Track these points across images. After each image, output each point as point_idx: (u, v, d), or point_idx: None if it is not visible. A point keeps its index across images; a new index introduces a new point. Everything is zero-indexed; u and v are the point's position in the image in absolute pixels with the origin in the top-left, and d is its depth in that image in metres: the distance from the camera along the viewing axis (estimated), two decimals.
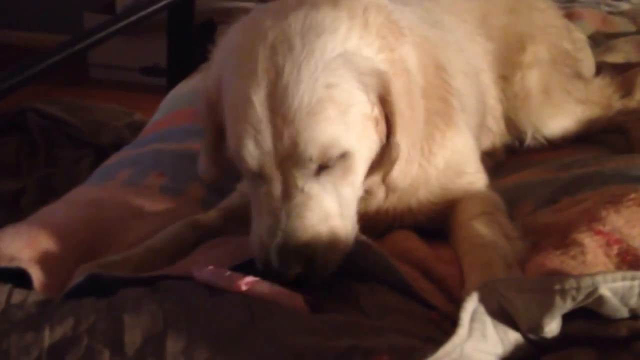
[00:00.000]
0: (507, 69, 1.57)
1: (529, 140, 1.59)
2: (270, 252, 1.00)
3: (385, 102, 1.05)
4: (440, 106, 1.20)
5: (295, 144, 0.99)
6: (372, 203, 1.19)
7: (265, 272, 1.02)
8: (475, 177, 1.26)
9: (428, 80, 1.18)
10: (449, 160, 1.22)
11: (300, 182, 1.01)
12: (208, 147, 1.16)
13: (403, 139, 1.07)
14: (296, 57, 1.00)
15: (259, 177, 1.03)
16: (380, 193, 1.19)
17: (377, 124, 1.06)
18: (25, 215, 1.27)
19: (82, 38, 2.07)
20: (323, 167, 1.02)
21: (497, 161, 1.53)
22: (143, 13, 2.30)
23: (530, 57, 1.58)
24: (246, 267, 1.05)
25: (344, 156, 1.03)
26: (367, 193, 1.17)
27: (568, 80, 1.62)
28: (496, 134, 1.55)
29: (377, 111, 1.05)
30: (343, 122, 1.01)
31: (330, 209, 1.03)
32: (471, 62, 1.46)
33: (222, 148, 1.11)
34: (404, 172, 1.10)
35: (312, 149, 0.99)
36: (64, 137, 2.62)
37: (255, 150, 1.01)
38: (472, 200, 1.21)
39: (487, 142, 1.52)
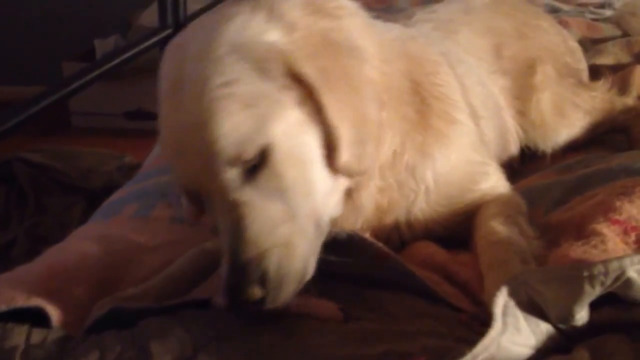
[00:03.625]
0: (522, 101, 1.59)
1: (548, 157, 1.61)
2: (223, 277, 0.94)
3: (302, 83, 0.98)
4: (418, 123, 1.16)
5: (206, 151, 0.93)
6: (362, 212, 1.14)
7: (226, 305, 0.95)
8: (491, 190, 1.24)
9: (407, 88, 1.16)
10: (447, 176, 1.19)
11: (232, 193, 0.95)
12: (175, 185, 1.13)
13: (340, 120, 0.99)
14: (191, 63, 0.96)
15: (205, 198, 1.00)
16: (364, 197, 1.14)
17: (301, 106, 0.99)
18: (16, 266, 1.24)
19: (62, 87, 2.07)
20: (252, 170, 0.96)
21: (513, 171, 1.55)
22: (122, 58, 2.31)
23: (541, 77, 1.61)
24: None
25: (267, 151, 0.96)
26: (376, 211, 1.15)
27: (574, 92, 1.65)
28: (513, 158, 1.58)
29: (295, 94, 0.98)
30: (251, 115, 0.94)
31: (276, 215, 0.95)
32: (493, 98, 1.49)
33: None
34: (355, 154, 1.01)
35: (223, 150, 0.93)
36: (53, 184, 2.61)
37: (182, 170, 0.98)
38: (493, 202, 1.21)
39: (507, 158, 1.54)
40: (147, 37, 2.47)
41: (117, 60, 2.30)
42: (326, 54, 1.01)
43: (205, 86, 0.94)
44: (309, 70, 0.98)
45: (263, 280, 0.92)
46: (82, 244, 1.27)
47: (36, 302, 1.05)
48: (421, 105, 1.17)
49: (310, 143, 1.00)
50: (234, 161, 0.94)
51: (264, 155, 0.96)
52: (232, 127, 0.94)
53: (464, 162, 1.22)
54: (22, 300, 1.05)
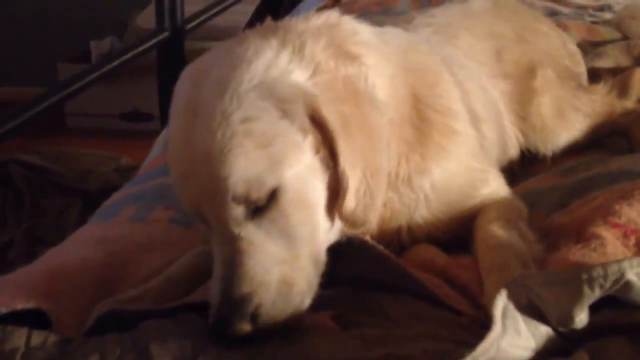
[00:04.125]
0: (522, 105, 1.59)
1: (549, 161, 1.62)
2: (212, 308, 0.94)
3: (321, 127, 0.98)
4: (416, 142, 1.17)
5: (215, 184, 0.93)
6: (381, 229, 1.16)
7: (211, 334, 0.94)
8: (490, 195, 1.24)
9: (407, 110, 1.16)
10: (446, 184, 1.19)
11: (234, 228, 0.95)
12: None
13: (352, 168, 0.99)
14: (211, 92, 0.96)
15: (204, 224, 0.99)
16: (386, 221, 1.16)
17: (316, 151, 0.99)
18: (14, 268, 1.24)
19: (59, 89, 2.06)
20: (258, 208, 0.95)
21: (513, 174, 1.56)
22: (119, 61, 2.31)
23: (541, 81, 1.61)
24: None
25: (277, 193, 0.96)
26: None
27: (574, 95, 1.66)
28: (514, 160, 1.58)
29: (312, 138, 0.98)
30: (266, 155, 0.94)
31: (277, 254, 0.95)
32: (493, 103, 1.50)
33: None
34: (362, 204, 1.01)
35: (233, 187, 0.93)
36: (49, 186, 2.60)
37: (185, 194, 0.98)
38: (494, 206, 1.21)
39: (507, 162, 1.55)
40: (144, 39, 2.47)
41: (114, 63, 2.30)
42: (347, 101, 1.01)
43: (224, 120, 0.94)
44: (330, 115, 0.98)
45: (255, 316, 0.93)
46: (81, 246, 1.28)
47: (36, 304, 1.05)
48: (421, 123, 1.17)
49: (319, 187, 1.00)
50: (242, 199, 0.94)
51: (272, 196, 0.96)
52: (245, 166, 0.93)
53: (463, 170, 1.22)
54: (22, 303, 1.05)
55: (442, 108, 1.20)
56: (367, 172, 1.01)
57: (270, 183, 0.95)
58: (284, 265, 0.96)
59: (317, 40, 1.04)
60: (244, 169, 0.93)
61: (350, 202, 1.00)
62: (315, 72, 1.01)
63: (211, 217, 0.97)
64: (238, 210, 0.94)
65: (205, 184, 0.94)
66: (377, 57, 1.13)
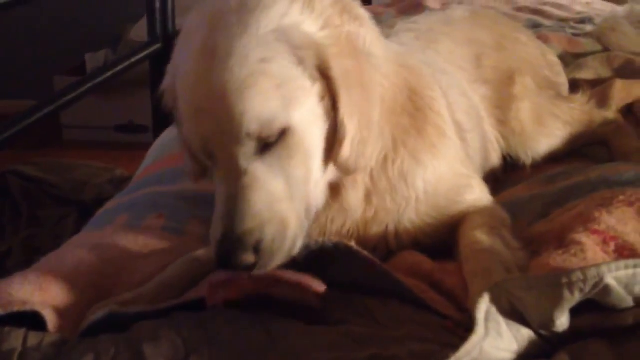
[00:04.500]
0: (502, 110, 1.63)
1: (528, 167, 1.65)
2: (218, 240, 0.99)
3: (327, 78, 1.04)
4: (412, 128, 1.21)
5: (231, 120, 0.98)
6: (350, 215, 1.19)
7: (216, 264, 1.01)
8: (475, 203, 1.27)
9: (402, 99, 1.20)
10: (436, 187, 1.23)
11: (243, 163, 1.00)
12: (180, 142, 1.16)
13: (350, 118, 1.06)
14: (230, 33, 1.00)
15: (210, 161, 1.04)
16: (353, 199, 1.19)
17: (321, 99, 1.05)
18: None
19: (53, 101, 2.08)
20: (266, 146, 1.01)
21: (497, 182, 1.58)
22: (112, 72, 2.33)
23: (520, 88, 1.65)
24: None
25: (286, 133, 1.01)
26: (362, 222, 1.18)
27: (553, 103, 1.69)
28: (495, 167, 1.61)
29: (319, 86, 1.04)
30: (280, 95, 1.00)
31: (278, 192, 1.01)
32: (475, 108, 1.53)
33: None
34: (355, 152, 1.07)
35: (248, 123, 0.98)
36: (46, 196, 2.62)
37: (197, 131, 1.01)
38: (478, 213, 1.24)
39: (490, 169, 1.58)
40: (137, 51, 2.50)
41: (107, 75, 2.33)
42: (350, 56, 1.07)
43: (243, 58, 0.99)
44: (336, 68, 1.04)
45: (257, 249, 0.98)
46: (76, 251, 1.29)
47: (33, 306, 1.07)
48: (416, 112, 1.22)
49: (319, 134, 1.06)
50: (254, 136, 0.99)
51: (280, 135, 1.01)
52: (261, 104, 0.99)
53: (452, 174, 1.25)
54: (19, 305, 1.07)
55: (435, 109, 1.25)
56: (362, 123, 1.08)
57: (281, 122, 1.00)
58: (282, 204, 1.01)
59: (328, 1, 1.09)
60: (260, 106, 0.98)
61: (346, 149, 1.06)
62: (324, 25, 1.06)
63: (220, 153, 1.01)
64: (249, 146, 1.00)
65: (221, 119, 0.99)
66: (376, 32, 1.19)
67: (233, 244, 0.97)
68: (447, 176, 1.24)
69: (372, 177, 1.19)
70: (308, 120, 1.04)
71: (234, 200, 0.99)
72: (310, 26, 1.05)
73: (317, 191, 1.10)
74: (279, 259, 1.02)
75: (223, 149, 1.01)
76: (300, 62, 1.02)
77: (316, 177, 1.08)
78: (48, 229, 2.50)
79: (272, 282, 1.02)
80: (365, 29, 1.14)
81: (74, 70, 4.09)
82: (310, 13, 1.06)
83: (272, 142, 1.01)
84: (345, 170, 1.11)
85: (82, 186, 2.65)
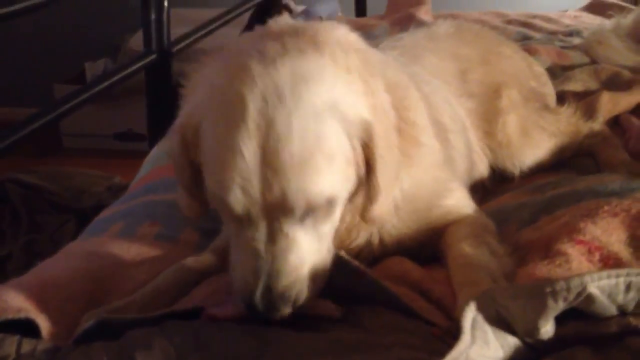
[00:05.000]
0: (489, 122, 1.65)
1: (516, 179, 1.67)
2: (256, 294, 1.01)
3: (367, 148, 1.08)
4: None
5: (284, 195, 1.00)
6: (351, 239, 1.23)
7: (250, 314, 1.04)
8: (455, 207, 1.30)
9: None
10: (414, 192, 1.25)
11: (285, 229, 1.03)
12: (185, 184, 1.15)
13: (383, 179, 1.10)
14: (287, 108, 1.00)
15: (244, 220, 1.04)
16: (355, 231, 1.23)
17: (357, 166, 1.08)
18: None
19: (51, 110, 2.09)
20: (308, 212, 1.03)
21: (485, 190, 1.61)
22: (112, 80, 2.35)
23: (506, 101, 1.66)
24: None
25: (328, 202, 1.04)
26: (346, 230, 1.21)
27: (540, 115, 1.70)
28: (484, 176, 1.63)
29: (358, 156, 1.08)
30: (330, 170, 1.02)
31: (310, 249, 1.05)
32: (459, 118, 1.55)
33: (199, 184, 1.11)
34: (382, 207, 1.13)
35: (302, 201, 1.00)
36: (45, 204, 2.64)
37: (242, 198, 1.00)
38: (461, 223, 1.26)
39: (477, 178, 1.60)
40: (133, 61, 2.52)
41: (103, 85, 2.34)
42: (386, 129, 1.12)
43: (302, 135, 1.00)
44: (379, 143, 1.08)
45: (295, 301, 1.04)
46: (70, 259, 1.31)
47: (26, 314, 1.09)
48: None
49: (348, 194, 1.10)
50: (305, 209, 1.02)
51: (323, 204, 1.04)
52: (316, 182, 1.01)
53: (429, 179, 1.28)
54: (13, 312, 1.09)
55: (409, 121, 1.25)
56: (387, 182, 1.12)
57: (327, 195, 1.03)
58: (313, 257, 1.06)
59: (355, 59, 1.11)
60: (315, 184, 1.01)
61: (377, 209, 1.12)
62: (363, 94, 1.09)
63: (264, 219, 1.02)
64: (296, 217, 1.02)
65: (273, 192, 1.00)
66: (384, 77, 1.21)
67: (276, 299, 1.02)
68: (424, 182, 1.27)
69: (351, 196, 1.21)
70: (344, 188, 1.08)
71: (272, 259, 1.02)
72: (353, 97, 1.07)
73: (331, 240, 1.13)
74: (308, 304, 1.06)
75: (267, 216, 1.02)
76: (349, 136, 1.05)
77: (336, 226, 1.12)
78: (47, 235, 2.53)
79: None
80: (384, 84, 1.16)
81: (73, 79, 4.11)
82: (351, 83, 1.08)
83: (313, 211, 1.03)
84: (372, 222, 1.16)
85: (81, 194, 2.67)
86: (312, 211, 1.03)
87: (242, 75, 1.03)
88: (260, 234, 1.03)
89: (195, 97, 1.10)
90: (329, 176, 1.02)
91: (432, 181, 1.28)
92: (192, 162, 1.11)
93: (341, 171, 1.05)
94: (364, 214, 1.14)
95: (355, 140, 1.06)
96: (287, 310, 1.03)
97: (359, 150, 1.07)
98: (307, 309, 1.05)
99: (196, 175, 1.11)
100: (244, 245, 1.04)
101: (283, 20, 1.17)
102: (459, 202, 1.31)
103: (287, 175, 0.99)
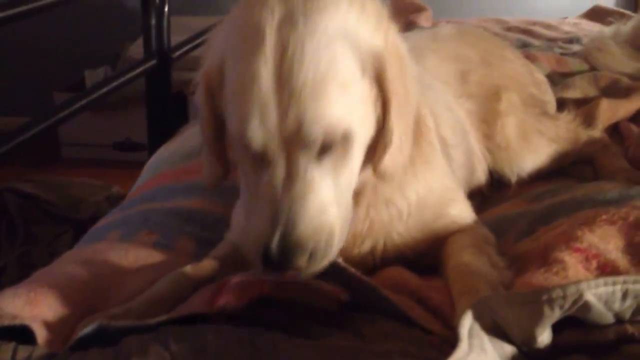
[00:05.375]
0: (488, 124, 1.64)
1: (513, 184, 1.66)
2: (272, 243, 0.98)
3: (381, 83, 1.06)
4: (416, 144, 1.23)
5: (300, 121, 0.98)
6: (357, 245, 1.22)
7: (263, 265, 1.00)
8: (459, 218, 1.29)
9: None
10: (424, 199, 1.25)
11: (303, 166, 1.00)
12: (208, 138, 1.13)
13: (397, 124, 1.08)
14: (300, 33, 1.00)
15: (261, 161, 1.02)
16: (360, 238, 1.21)
17: (375, 104, 1.07)
18: None
19: (46, 117, 2.09)
20: (325, 149, 1.01)
21: (483, 198, 1.60)
22: (111, 86, 2.35)
23: (506, 104, 1.66)
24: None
25: (345, 136, 1.02)
26: (353, 236, 1.19)
27: (539, 121, 1.70)
28: (482, 183, 1.62)
29: (374, 92, 1.06)
30: (344, 99, 1.01)
31: (329, 197, 1.02)
32: (459, 122, 1.54)
33: (223, 140, 1.10)
34: (394, 160, 1.10)
35: (318, 127, 0.98)
36: (42, 214, 2.64)
37: (260, 128, 0.99)
38: (462, 233, 1.25)
39: (476, 185, 1.59)
40: (132, 68, 2.52)
41: (101, 92, 2.34)
42: (398, 64, 1.10)
43: (315, 59, 0.99)
44: (391, 76, 1.07)
45: (312, 253, 1.00)
46: (67, 267, 1.30)
47: (22, 321, 1.08)
48: (415, 127, 1.23)
49: (366, 140, 1.08)
50: (319, 140, 1.00)
51: (340, 139, 1.02)
52: (331, 109, 0.99)
53: (440, 187, 1.28)
54: (9, 319, 1.08)
55: (427, 125, 1.28)
56: (402, 131, 1.10)
57: (344, 127, 1.01)
58: (332, 210, 1.02)
59: (372, 4, 1.11)
60: (330, 111, 0.99)
61: (388, 157, 1.09)
62: (376, 29, 1.08)
63: (280, 155, 1.00)
64: (312, 150, 1.00)
65: (290, 120, 0.98)
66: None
67: (292, 248, 0.98)
68: (435, 189, 1.26)
69: (374, 189, 1.21)
70: (363, 125, 1.06)
71: (289, 204, 0.99)
72: (366, 31, 1.06)
73: (351, 197, 1.11)
74: (324, 264, 1.03)
75: (284, 149, 1.00)
76: (363, 66, 1.04)
77: (355, 182, 1.10)
78: (43, 246, 2.52)
79: (297, 287, 1.03)
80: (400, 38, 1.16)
81: (73, 87, 4.12)
82: (365, 18, 1.07)
83: (330, 147, 1.02)
84: (382, 177, 1.13)
85: (79, 204, 2.67)
86: (329, 146, 1.01)
87: (259, 6, 1.04)
88: (279, 174, 1.00)
89: (217, 41, 1.10)
90: (344, 105, 1.01)
91: (441, 189, 1.28)
92: (215, 113, 1.10)
93: (357, 104, 1.03)
94: (375, 165, 1.10)
95: (368, 73, 1.05)
96: (303, 260, 0.99)
97: (374, 85, 1.06)
98: (313, 286, 1.01)
99: (220, 131, 1.10)
100: (261, 191, 1.01)
101: None
102: (462, 212, 1.31)
103: (302, 100, 0.98)
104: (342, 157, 1.03)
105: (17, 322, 1.08)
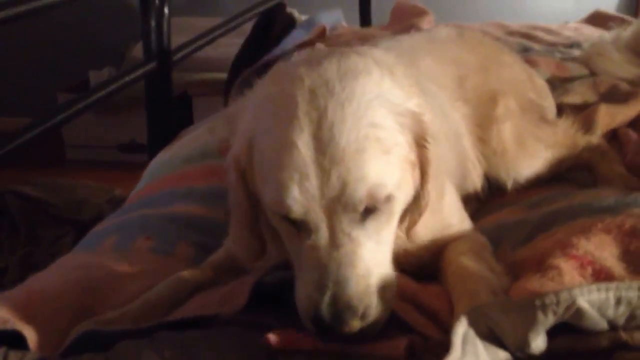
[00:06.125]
0: (483, 129, 1.63)
1: (509, 189, 1.65)
2: (322, 306, 0.96)
3: (420, 146, 1.06)
4: None
5: (344, 184, 0.97)
6: None
7: (316, 331, 0.99)
8: (460, 227, 1.29)
9: None
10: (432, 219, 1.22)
11: (347, 229, 0.99)
12: (245, 219, 1.12)
13: (433, 188, 1.08)
14: (337, 97, 1.00)
15: (303, 227, 1.00)
16: None
17: (413, 168, 1.07)
18: None
19: (46, 119, 2.08)
20: (369, 212, 1.00)
21: (479, 204, 1.59)
22: (109, 89, 2.35)
23: (502, 110, 1.65)
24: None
25: (388, 199, 1.02)
26: None
27: (537, 126, 1.69)
28: (477, 189, 1.61)
29: (413, 155, 1.06)
30: (386, 162, 1.00)
31: (375, 257, 1.02)
32: (453, 127, 1.53)
33: (256, 216, 1.09)
34: (427, 225, 1.11)
35: (362, 189, 0.98)
36: (45, 216, 2.65)
37: (301, 196, 0.98)
38: (461, 240, 1.25)
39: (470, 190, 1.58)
40: (133, 69, 2.52)
41: (102, 92, 2.33)
42: (436, 137, 1.10)
43: (356, 123, 0.99)
44: (430, 138, 1.06)
45: (364, 315, 0.98)
46: (62, 271, 1.31)
47: (13, 325, 1.09)
48: None
49: (406, 202, 1.08)
50: (363, 203, 0.99)
51: (383, 202, 1.01)
52: (375, 171, 0.99)
53: (445, 206, 1.25)
54: (0, 324, 1.09)
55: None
56: (436, 199, 1.11)
57: (387, 190, 1.01)
58: (379, 268, 1.02)
59: (398, 66, 1.13)
60: (374, 173, 0.99)
61: (424, 221, 1.10)
62: (408, 94, 1.09)
63: (322, 220, 0.99)
64: (357, 213, 0.99)
65: (333, 185, 0.97)
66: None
67: (343, 309, 0.97)
68: (442, 208, 1.25)
69: None
70: (403, 188, 1.05)
71: (336, 267, 0.98)
72: (400, 95, 1.07)
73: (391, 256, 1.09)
74: (381, 325, 1.01)
75: (328, 214, 0.99)
76: (402, 128, 1.04)
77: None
78: (45, 248, 2.53)
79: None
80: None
81: (77, 87, 4.13)
82: (396, 83, 1.08)
83: (373, 210, 1.01)
84: (414, 241, 1.14)
85: (81, 206, 2.69)
86: (373, 209, 1.00)
87: (290, 77, 1.05)
88: (322, 238, 0.99)
89: (244, 121, 1.09)
90: (386, 167, 1.00)
91: (447, 206, 1.26)
92: (249, 194, 1.09)
93: (398, 167, 1.03)
94: (409, 229, 1.10)
95: (408, 135, 1.05)
96: (356, 323, 0.97)
97: (413, 145, 1.05)
98: (371, 337, 0.99)
99: (254, 210, 1.09)
100: (306, 258, 1.00)
101: (320, 49, 1.18)
102: (462, 221, 1.31)
103: (345, 163, 0.97)
104: (385, 219, 1.03)
105: (8, 326, 1.08)
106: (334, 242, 0.99)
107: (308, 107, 1.00)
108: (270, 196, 1.01)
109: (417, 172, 1.08)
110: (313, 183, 0.97)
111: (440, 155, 1.12)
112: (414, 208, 1.10)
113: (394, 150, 1.02)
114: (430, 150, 1.06)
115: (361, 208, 0.99)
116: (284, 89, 1.04)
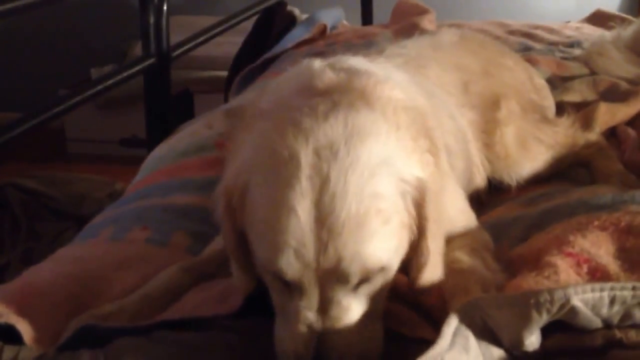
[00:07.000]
0: (488, 134, 1.64)
1: (513, 190, 1.65)
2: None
3: (419, 210, 1.03)
4: None
5: (340, 259, 0.95)
6: None
7: None
8: (465, 226, 1.28)
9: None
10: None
11: (338, 296, 0.98)
12: (233, 253, 1.09)
13: (432, 246, 1.06)
14: (342, 163, 0.97)
15: (294, 287, 0.99)
16: None
17: (411, 231, 1.04)
18: None
19: (42, 112, 2.08)
20: (363, 281, 0.99)
21: (480, 203, 1.59)
22: (106, 84, 2.35)
23: (505, 113, 1.65)
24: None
25: (382, 269, 1.00)
26: None
27: (538, 127, 1.70)
28: (480, 192, 1.62)
29: (411, 219, 1.03)
30: (385, 233, 0.98)
31: (364, 320, 1.01)
32: (462, 131, 1.54)
33: (246, 252, 1.07)
34: (430, 277, 1.08)
35: (357, 265, 0.96)
36: (45, 210, 2.65)
37: (296, 263, 0.95)
38: (460, 235, 1.24)
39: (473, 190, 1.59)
40: (131, 65, 2.52)
41: (98, 87, 2.34)
42: (438, 199, 1.08)
43: (359, 194, 0.96)
44: (430, 206, 1.04)
45: None
46: (57, 264, 1.31)
47: (8, 319, 1.09)
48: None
49: (400, 263, 1.06)
50: (360, 275, 0.97)
51: (377, 272, 1.00)
52: (372, 247, 0.97)
53: (454, 213, 1.26)
54: None
55: (436, 147, 1.22)
56: (436, 248, 1.08)
57: (383, 262, 0.99)
58: (367, 327, 1.01)
59: (404, 115, 1.09)
60: (371, 247, 0.96)
61: (425, 275, 1.07)
62: (413, 151, 1.06)
63: (317, 287, 0.98)
64: (351, 284, 0.98)
65: (329, 255, 0.95)
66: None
67: None
68: (451, 217, 1.24)
69: None
70: (398, 255, 1.03)
71: (324, 330, 0.98)
72: (405, 154, 1.04)
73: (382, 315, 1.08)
74: None
75: (320, 282, 0.97)
76: (403, 196, 1.02)
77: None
78: (46, 243, 2.53)
79: None
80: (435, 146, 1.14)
81: (80, 85, 4.12)
82: (402, 140, 1.05)
83: (367, 280, 0.99)
84: (420, 291, 1.11)
85: (82, 200, 2.68)
86: (366, 280, 0.98)
87: (293, 130, 1.00)
88: (312, 302, 0.98)
89: (241, 157, 1.06)
90: (385, 240, 0.98)
91: (455, 213, 1.26)
92: (236, 228, 1.06)
93: (396, 235, 1.00)
94: (413, 283, 1.09)
95: (408, 201, 1.02)
96: None
97: (412, 210, 1.03)
98: None
99: (242, 243, 1.06)
100: (293, 314, 0.99)
101: (326, 76, 1.12)
102: (469, 221, 1.30)
103: (343, 237, 0.95)
104: (379, 285, 1.01)
105: (3, 320, 1.08)
106: (324, 306, 0.98)
107: (311, 171, 0.97)
108: (264, 255, 1.00)
109: (414, 233, 1.05)
110: (310, 252, 0.95)
111: (442, 205, 1.10)
112: (414, 264, 1.07)
113: (393, 218, 0.99)
114: (429, 213, 1.03)
115: (355, 281, 0.97)
116: (287, 143, 0.99)
